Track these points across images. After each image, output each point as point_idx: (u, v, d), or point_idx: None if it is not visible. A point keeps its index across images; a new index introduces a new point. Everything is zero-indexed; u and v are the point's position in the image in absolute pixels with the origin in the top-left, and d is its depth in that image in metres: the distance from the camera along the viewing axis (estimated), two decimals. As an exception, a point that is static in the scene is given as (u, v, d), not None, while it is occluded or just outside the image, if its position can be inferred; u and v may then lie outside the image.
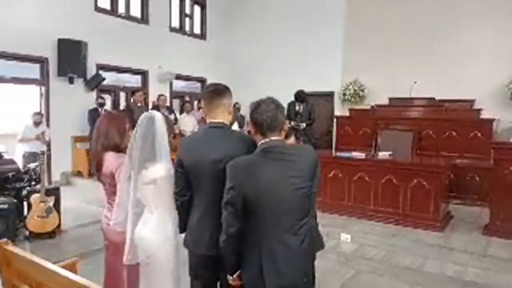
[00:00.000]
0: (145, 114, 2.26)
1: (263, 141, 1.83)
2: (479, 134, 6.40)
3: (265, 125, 1.81)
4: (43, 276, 1.92)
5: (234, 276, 1.89)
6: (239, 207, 1.77)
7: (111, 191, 2.41)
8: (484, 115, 6.97)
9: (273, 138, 1.82)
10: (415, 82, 7.35)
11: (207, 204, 2.00)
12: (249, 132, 2.14)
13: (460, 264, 3.88)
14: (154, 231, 2.17)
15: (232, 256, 1.85)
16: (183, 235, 2.16)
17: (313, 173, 1.85)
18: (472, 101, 7.58)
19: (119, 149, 2.41)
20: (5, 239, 2.18)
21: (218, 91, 2.07)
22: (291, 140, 2.64)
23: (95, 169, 2.48)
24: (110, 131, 2.40)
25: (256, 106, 1.85)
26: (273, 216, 1.76)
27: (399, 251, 4.22)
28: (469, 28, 7.66)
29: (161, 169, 2.15)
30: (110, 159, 2.37)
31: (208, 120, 2.08)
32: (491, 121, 6.49)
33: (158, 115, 2.23)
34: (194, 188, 2.05)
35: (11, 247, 2.08)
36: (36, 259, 1.93)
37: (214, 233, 1.93)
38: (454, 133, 6.58)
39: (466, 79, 7.52)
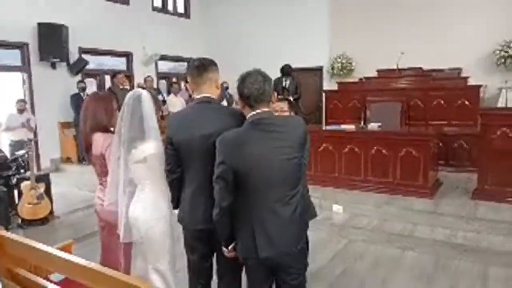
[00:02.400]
0: (131, 92, 2.23)
1: (251, 114, 1.82)
2: (466, 102, 6.45)
3: (253, 97, 1.80)
4: (39, 258, 1.93)
5: (229, 247, 1.92)
6: (230, 180, 1.78)
7: (102, 172, 2.40)
8: (471, 82, 7.02)
9: (262, 110, 1.82)
10: (402, 53, 7.32)
11: (199, 179, 2.00)
12: None
13: (450, 228, 3.98)
14: (148, 210, 2.18)
15: (225, 229, 1.87)
16: (176, 212, 2.17)
17: (303, 143, 1.85)
18: (459, 69, 7.62)
19: (107, 129, 2.39)
20: (-3, 225, 2.18)
21: (204, 65, 2.03)
22: (283, 104, 2.62)
23: (84, 151, 2.46)
24: (97, 112, 2.38)
25: (243, 79, 1.83)
26: (264, 187, 1.77)
27: (390, 219, 4.31)
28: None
29: (151, 147, 2.14)
30: (99, 140, 2.36)
31: (195, 96, 2.06)
32: (477, 88, 6.53)
33: (144, 93, 2.20)
34: (185, 165, 2.05)
35: (4, 233, 2.07)
36: (30, 242, 1.93)
37: (207, 208, 1.94)
38: (442, 102, 6.63)
39: (453, 47, 7.53)
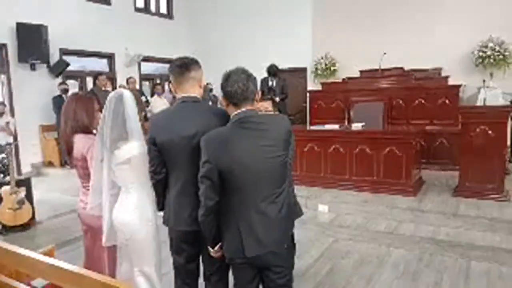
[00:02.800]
0: (113, 92, 2.20)
1: (235, 113, 1.81)
2: (447, 101, 6.59)
3: (237, 95, 1.79)
4: (21, 263, 1.88)
5: (215, 248, 1.91)
6: (215, 179, 1.76)
7: (84, 174, 2.35)
8: (451, 82, 7.17)
9: (246, 108, 1.81)
10: (385, 53, 7.43)
11: (184, 180, 1.98)
12: None
13: (433, 224, 4.05)
14: (133, 212, 2.15)
15: (211, 229, 1.86)
16: (161, 213, 2.15)
17: (287, 141, 1.85)
18: (439, 69, 7.77)
19: (89, 130, 2.35)
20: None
21: (186, 65, 2.00)
22: (267, 104, 2.62)
23: (66, 153, 2.41)
24: (78, 113, 2.33)
25: (227, 77, 1.81)
26: (250, 186, 1.77)
27: (375, 217, 4.36)
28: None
29: (135, 148, 2.11)
30: (80, 141, 2.31)
31: (178, 95, 2.04)
32: (457, 87, 6.68)
33: (126, 92, 2.17)
34: (169, 165, 2.02)
35: (-18, 237, 2.02)
36: (11, 247, 1.88)
37: (193, 209, 1.92)
38: (423, 101, 6.74)
39: (433, 48, 7.67)
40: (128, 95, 2.17)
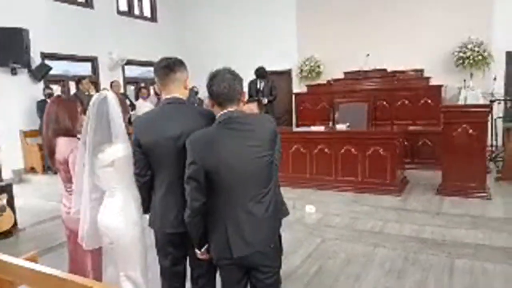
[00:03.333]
0: (96, 94, 2.17)
1: (221, 113, 1.81)
2: (429, 101, 6.72)
3: (222, 96, 1.78)
4: (3, 270, 1.82)
5: (202, 250, 1.89)
6: (201, 180, 1.75)
7: (67, 178, 2.32)
8: (433, 82, 7.32)
9: (231, 109, 1.81)
10: (368, 55, 7.55)
11: (169, 182, 1.97)
12: None
13: (417, 223, 4.11)
14: (118, 216, 2.11)
15: (198, 230, 1.85)
16: (147, 216, 2.13)
17: (273, 141, 1.86)
18: (421, 71, 7.93)
19: (71, 133, 2.31)
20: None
21: (171, 66, 1.99)
22: (253, 106, 2.62)
23: (48, 156, 2.37)
24: (60, 115, 2.29)
25: (212, 78, 1.81)
26: (236, 186, 1.76)
27: (361, 217, 4.39)
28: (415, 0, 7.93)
29: (119, 150, 2.08)
30: (62, 145, 2.27)
31: (163, 96, 2.02)
32: (439, 87, 6.82)
33: (109, 94, 2.13)
34: (154, 167, 2.00)
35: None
36: (-10, 253, 1.83)
37: (179, 211, 1.91)
38: (406, 102, 6.87)
39: (415, 49, 7.83)
40: (111, 97, 2.14)
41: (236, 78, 1.83)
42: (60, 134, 2.29)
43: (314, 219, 4.48)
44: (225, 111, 1.80)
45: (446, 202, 4.54)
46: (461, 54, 7.54)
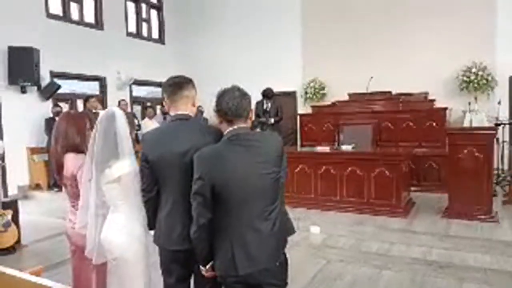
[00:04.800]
0: (104, 111, 2.20)
1: (229, 130, 1.83)
2: (434, 124, 6.72)
3: (230, 112, 1.81)
4: (8, 284, 1.82)
5: (207, 267, 1.88)
6: (208, 196, 1.76)
7: (74, 194, 2.32)
8: (437, 105, 7.34)
9: (239, 125, 1.83)
10: (372, 77, 7.62)
11: (175, 198, 1.97)
12: None
13: (424, 245, 4.05)
14: (121, 231, 2.11)
15: (204, 247, 1.83)
16: (152, 232, 2.12)
17: (280, 158, 1.87)
18: (425, 93, 7.96)
19: (80, 149, 2.32)
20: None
21: (179, 84, 2.03)
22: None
23: (55, 172, 2.38)
24: (69, 131, 2.32)
25: (221, 95, 1.84)
26: (243, 203, 1.76)
27: (367, 238, 4.34)
28: (419, 23, 8.05)
29: (125, 166, 2.09)
30: (70, 160, 2.29)
31: (171, 113, 2.05)
32: (444, 109, 6.84)
33: (117, 111, 2.17)
34: (161, 183, 2.01)
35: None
36: (-3, 267, 1.83)
37: (184, 227, 1.90)
38: (411, 124, 6.88)
39: (419, 72, 7.89)
40: (119, 113, 2.17)
41: (244, 95, 1.86)
42: (69, 150, 2.31)
43: (319, 240, 4.43)
44: (233, 127, 1.83)
45: (452, 224, 4.49)
46: (465, 78, 7.59)
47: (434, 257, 3.83)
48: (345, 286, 3.39)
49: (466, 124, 6.77)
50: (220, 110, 1.83)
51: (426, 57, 7.92)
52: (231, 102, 1.80)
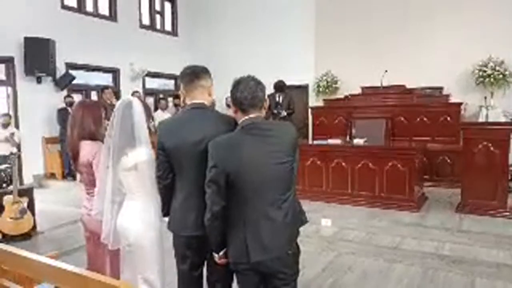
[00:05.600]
0: (122, 99, 2.23)
1: (243, 119, 1.84)
2: (448, 118, 6.64)
3: (245, 102, 1.82)
4: (27, 267, 1.86)
5: (220, 254, 1.90)
6: (222, 184, 1.78)
7: (89, 181, 2.37)
8: (452, 100, 7.24)
9: (254, 115, 1.84)
10: (386, 71, 7.53)
11: (190, 185, 1.99)
12: None
13: (437, 240, 4.02)
14: (137, 218, 2.15)
15: (217, 234, 1.86)
16: (166, 219, 2.15)
17: (293, 148, 1.88)
18: (440, 88, 7.85)
19: (95, 137, 2.37)
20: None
21: (196, 73, 2.05)
22: None
23: (71, 159, 2.43)
24: (85, 119, 2.36)
25: (236, 84, 1.85)
26: (256, 191, 1.77)
27: (378, 232, 4.33)
28: (435, 18, 7.91)
29: (142, 154, 2.13)
30: (86, 148, 2.33)
31: (187, 102, 2.07)
32: (459, 104, 6.74)
33: (135, 100, 2.20)
34: (176, 171, 2.04)
35: (-14, 242, 2.01)
36: (17, 250, 1.87)
37: (198, 214, 1.92)
38: (425, 119, 6.80)
39: (434, 66, 7.76)
40: (137, 102, 2.20)
41: (259, 85, 1.87)
42: (85, 138, 2.35)
43: (329, 233, 4.43)
44: (248, 117, 1.84)
45: (466, 219, 4.45)
46: (481, 73, 7.45)
47: (447, 251, 3.80)
48: (355, 278, 3.39)
49: (481, 119, 6.67)
50: (235, 99, 1.84)
51: (441, 52, 7.79)
52: (246, 92, 1.81)
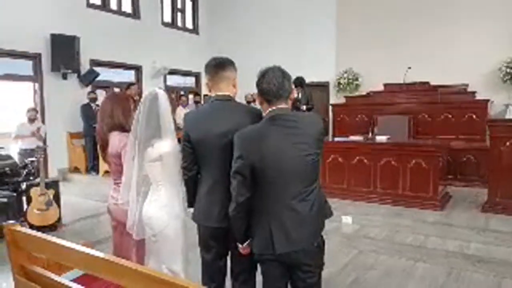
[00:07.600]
0: (148, 92, 2.26)
1: (269, 110, 1.84)
2: (474, 116, 6.47)
3: (272, 93, 1.81)
4: (57, 253, 1.90)
5: (244, 244, 1.91)
6: (247, 175, 1.78)
7: (117, 171, 2.41)
8: (478, 97, 7.04)
9: (280, 106, 1.83)
10: (409, 68, 7.40)
11: (215, 177, 2.01)
12: None
13: (462, 239, 3.93)
14: (162, 209, 2.17)
15: (242, 225, 1.87)
16: (191, 210, 2.17)
17: (320, 140, 1.86)
18: (465, 85, 7.64)
19: (124, 128, 2.41)
20: (12, 221, 2.16)
21: (222, 64, 2.06)
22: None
23: (100, 149, 2.48)
24: (114, 111, 2.41)
25: (263, 75, 1.85)
26: (281, 183, 1.77)
27: (401, 230, 4.26)
28: (460, 13, 7.71)
29: (167, 145, 2.15)
30: (115, 139, 2.37)
31: (213, 94, 2.08)
32: (485, 101, 6.56)
33: (161, 92, 2.22)
34: (201, 162, 2.06)
35: (19, 228, 2.06)
36: (48, 237, 1.92)
37: (223, 206, 1.94)
38: (449, 116, 6.64)
39: (459, 63, 7.57)
40: (163, 95, 2.22)
41: (285, 76, 1.86)
42: (114, 129, 2.40)
43: (351, 230, 4.39)
44: (273, 108, 1.83)
45: (492, 219, 4.33)
46: (508, 70, 7.23)
47: (472, 251, 3.71)
48: (378, 276, 3.36)
49: (508, 116, 6.48)
50: (261, 90, 1.84)
51: (466, 48, 7.58)
52: (272, 82, 1.81)
